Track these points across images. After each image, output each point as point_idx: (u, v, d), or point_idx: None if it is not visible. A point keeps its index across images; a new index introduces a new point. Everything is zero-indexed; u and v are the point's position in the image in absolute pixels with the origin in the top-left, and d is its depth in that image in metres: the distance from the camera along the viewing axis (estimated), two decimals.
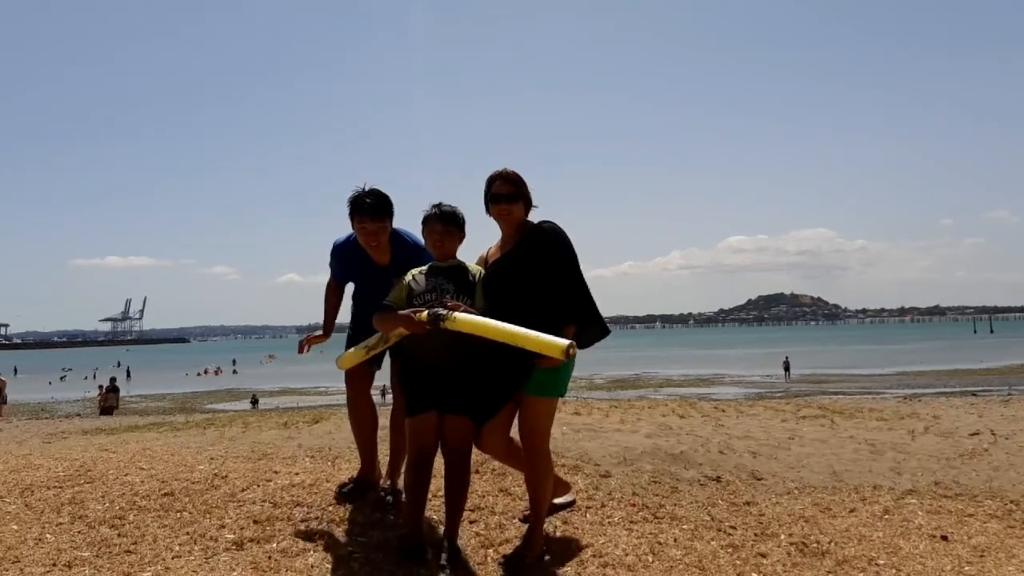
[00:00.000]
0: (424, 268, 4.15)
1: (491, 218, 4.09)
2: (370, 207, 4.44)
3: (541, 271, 3.89)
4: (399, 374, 4.24)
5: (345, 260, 4.75)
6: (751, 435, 6.95)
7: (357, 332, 4.63)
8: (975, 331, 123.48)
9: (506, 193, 3.97)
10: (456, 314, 3.71)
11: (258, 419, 8.30)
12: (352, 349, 4.38)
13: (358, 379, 4.79)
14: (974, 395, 17.96)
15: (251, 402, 37.02)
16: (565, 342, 3.50)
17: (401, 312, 3.91)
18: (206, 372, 63.61)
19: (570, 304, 3.92)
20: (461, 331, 3.70)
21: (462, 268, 4.14)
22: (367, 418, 4.87)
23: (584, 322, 3.97)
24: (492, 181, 4.01)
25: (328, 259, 4.85)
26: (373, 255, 4.61)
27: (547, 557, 3.98)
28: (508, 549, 4.06)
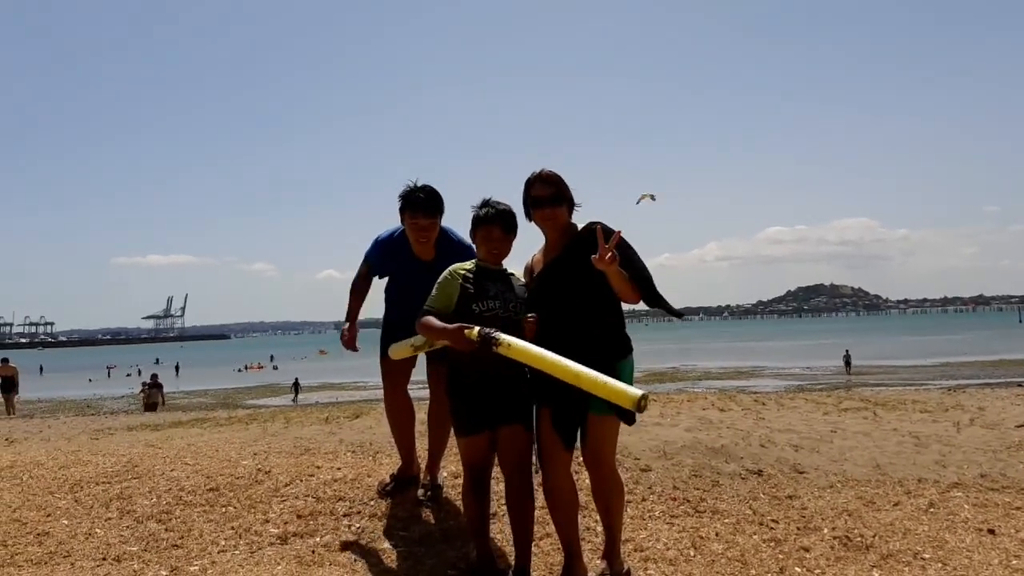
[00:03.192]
0: (471, 268, 3.79)
1: (533, 223, 3.79)
2: (424, 202, 4.42)
3: (595, 275, 3.50)
4: (447, 389, 3.85)
5: (389, 254, 4.71)
6: (792, 428, 6.89)
7: (392, 329, 4.62)
8: (1021, 320, 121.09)
9: (548, 196, 3.65)
10: (511, 340, 3.36)
11: (299, 414, 8.39)
12: (400, 344, 4.20)
13: (395, 374, 4.75)
14: (1020, 385, 17.64)
15: (292, 386, 37.38)
16: (639, 392, 3.10)
17: (450, 327, 3.52)
18: (247, 368, 64.35)
19: (643, 286, 3.57)
20: (515, 359, 3.38)
21: (510, 274, 3.86)
22: (405, 414, 4.84)
23: (651, 299, 3.62)
24: (531, 184, 3.70)
25: (367, 250, 4.81)
26: (419, 251, 4.58)
27: (628, 571, 3.78)
28: (549, 544, 4.07)
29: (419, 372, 4.83)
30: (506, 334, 3.40)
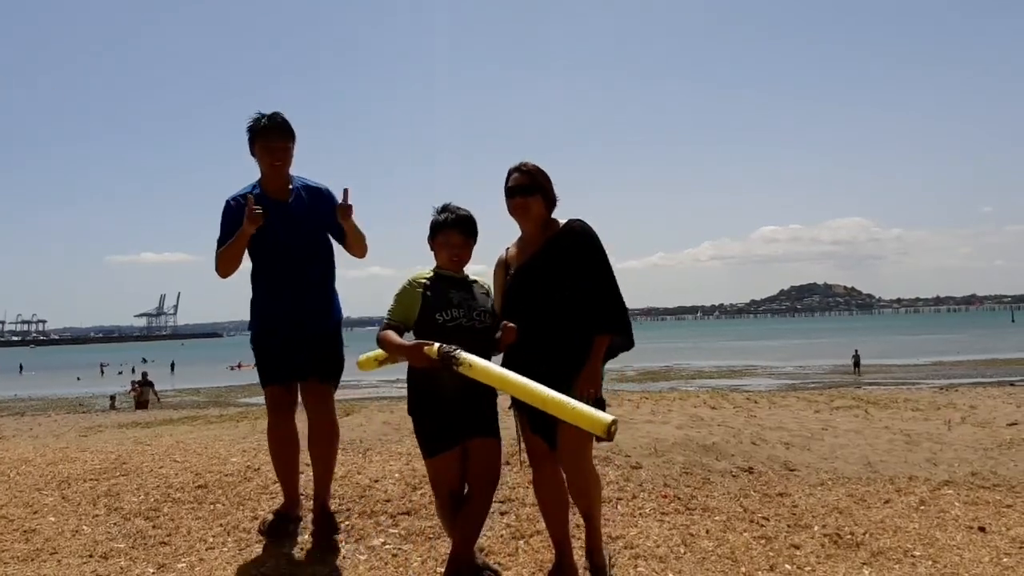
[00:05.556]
0: (430, 275, 3.59)
1: (511, 216, 3.65)
2: (277, 128, 4.11)
3: (573, 276, 3.45)
4: (410, 407, 3.59)
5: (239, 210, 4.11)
6: (784, 426, 6.89)
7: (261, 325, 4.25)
8: (1013, 320, 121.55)
9: (521, 185, 3.53)
10: (472, 359, 3.19)
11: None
12: (366, 356, 3.82)
13: (279, 407, 4.28)
14: (1012, 384, 17.71)
15: None
16: (609, 418, 2.98)
17: (408, 343, 3.36)
18: (240, 367, 64.13)
19: (605, 311, 3.47)
20: (476, 379, 3.22)
21: (472, 280, 3.68)
22: (290, 448, 4.36)
23: (619, 331, 3.52)
24: (508, 174, 3.59)
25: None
26: (272, 185, 4.18)
27: (613, 562, 3.79)
28: (539, 541, 4.05)
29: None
30: (468, 352, 3.23)
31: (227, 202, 4.17)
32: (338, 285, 4.41)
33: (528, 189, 3.53)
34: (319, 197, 4.23)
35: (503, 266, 3.70)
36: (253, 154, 4.16)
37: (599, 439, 3.32)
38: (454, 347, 3.24)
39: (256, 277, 4.24)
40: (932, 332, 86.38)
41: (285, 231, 4.11)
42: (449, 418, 3.45)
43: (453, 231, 3.59)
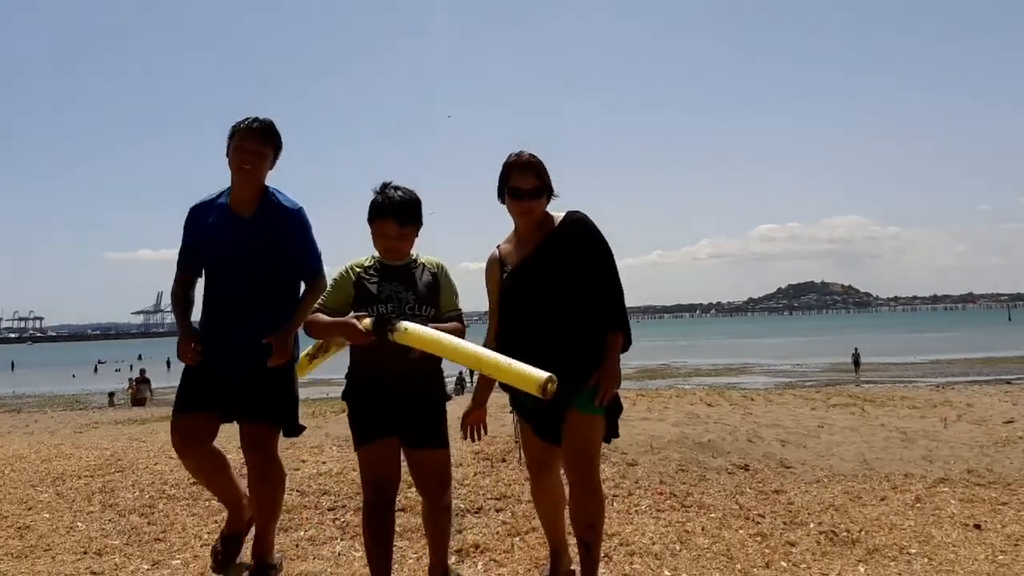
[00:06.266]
0: (368, 262, 3.28)
1: (509, 212, 3.38)
2: (257, 129, 3.59)
3: (571, 270, 3.24)
4: (344, 391, 3.29)
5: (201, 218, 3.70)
6: (780, 423, 6.89)
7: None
8: (1010, 318, 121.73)
9: (530, 189, 3.26)
10: (408, 325, 2.94)
11: None
12: (299, 361, 3.61)
13: (186, 440, 3.62)
14: (1008, 383, 17.72)
15: None
16: (543, 375, 2.77)
17: (339, 319, 3.07)
18: None
19: (613, 308, 3.27)
20: (412, 346, 2.99)
21: (418, 266, 3.31)
22: (215, 461, 3.75)
23: (625, 329, 3.30)
24: (509, 170, 3.30)
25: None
26: (240, 195, 3.63)
27: None
28: (535, 538, 4.04)
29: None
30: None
31: (190, 209, 3.70)
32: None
33: (537, 193, 3.28)
34: (286, 218, 3.63)
35: (497, 264, 3.42)
36: (228, 155, 3.62)
37: (607, 437, 3.28)
38: (392, 313, 3.01)
39: (205, 293, 3.71)
40: (929, 330, 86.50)
41: (240, 252, 3.57)
42: (384, 408, 3.15)
43: (388, 220, 3.19)
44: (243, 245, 3.56)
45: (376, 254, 3.29)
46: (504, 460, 5.27)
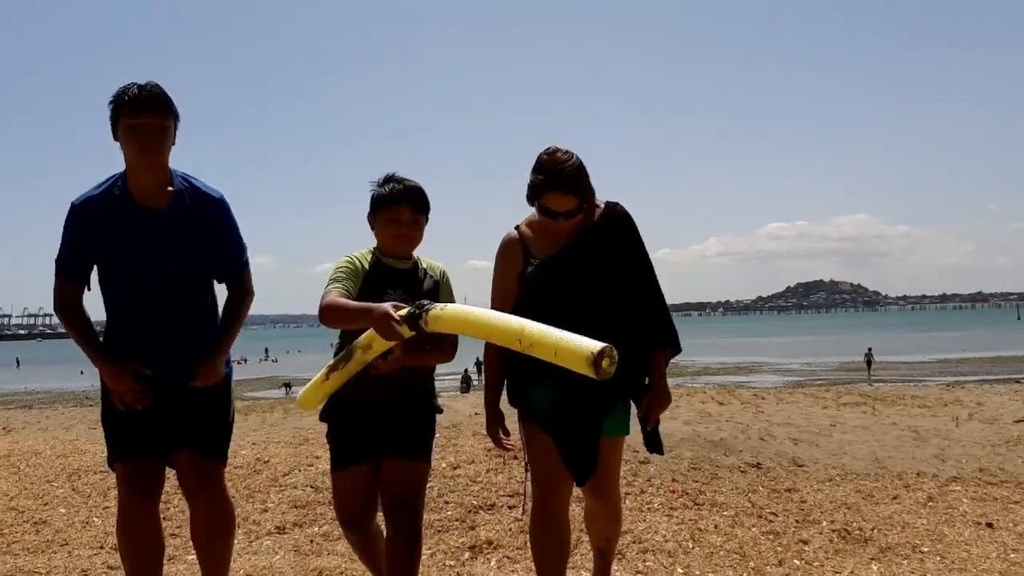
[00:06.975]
0: (369, 259, 2.88)
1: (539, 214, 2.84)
2: (148, 100, 2.78)
3: (618, 266, 2.84)
4: (323, 416, 2.98)
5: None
6: (792, 422, 6.90)
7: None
8: (1019, 318, 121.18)
9: (569, 210, 2.75)
10: (441, 308, 2.42)
11: (298, 405, 8.41)
12: (309, 386, 2.95)
13: (133, 490, 2.88)
14: (1018, 382, 17.67)
15: (284, 385, 37.22)
16: (597, 345, 2.14)
17: (376, 307, 2.49)
18: (238, 362, 64.04)
19: (659, 320, 2.90)
20: (443, 333, 2.51)
21: (419, 270, 2.94)
22: (150, 543, 2.92)
23: (673, 344, 2.95)
24: (547, 184, 2.73)
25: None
26: (143, 182, 2.84)
27: None
28: None
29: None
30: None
31: (72, 205, 2.88)
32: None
33: (574, 213, 2.78)
34: (211, 209, 2.95)
35: (520, 250, 2.90)
36: (116, 138, 2.83)
37: (655, 449, 3.00)
38: (425, 303, 2.45)
39: (109, 308, 2.98)
40: (938, 329, 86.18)
41: (153, 253, 2.86)
42: (364, 430, 2.83)
43: (402, 205, 2.84)
44: (160, 245, 2.85)
45: (375, 253, 2.91)
46: (516, 457, 5.28)
